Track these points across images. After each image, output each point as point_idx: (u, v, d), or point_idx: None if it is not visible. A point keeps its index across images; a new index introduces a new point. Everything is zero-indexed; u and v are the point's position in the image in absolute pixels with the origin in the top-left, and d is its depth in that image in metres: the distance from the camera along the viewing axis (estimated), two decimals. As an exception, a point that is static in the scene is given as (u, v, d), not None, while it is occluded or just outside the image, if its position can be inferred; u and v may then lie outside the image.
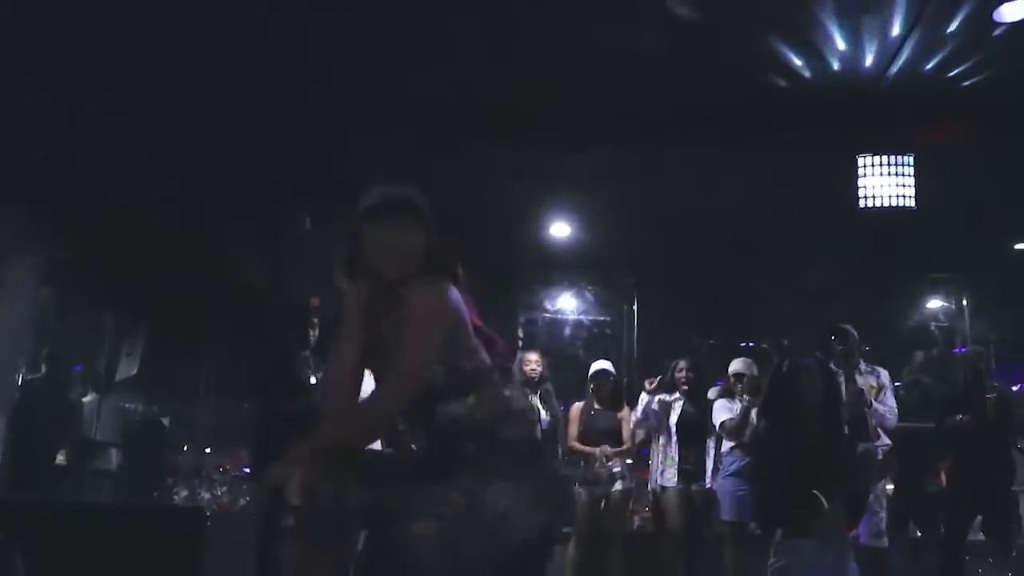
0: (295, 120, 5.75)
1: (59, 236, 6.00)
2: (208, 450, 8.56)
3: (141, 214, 6.14)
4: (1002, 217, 6.84)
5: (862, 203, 6.21)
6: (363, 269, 1.98)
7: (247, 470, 6.93)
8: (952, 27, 5.12)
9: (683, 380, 5.34)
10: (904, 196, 6.17)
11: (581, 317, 9.07)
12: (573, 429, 5.41)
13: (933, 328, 8.73)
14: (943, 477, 5.25)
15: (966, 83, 5.63)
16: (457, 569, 1.79)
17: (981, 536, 5.09)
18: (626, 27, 5.05)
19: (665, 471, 5.21)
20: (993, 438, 4.98)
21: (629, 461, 5.35)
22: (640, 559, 5.28)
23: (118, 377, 8.12)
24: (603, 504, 5.19)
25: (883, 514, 4.68)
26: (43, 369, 6.62)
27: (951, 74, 5.57)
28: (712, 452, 5.22)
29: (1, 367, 6.13)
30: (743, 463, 4.88)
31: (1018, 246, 7.85)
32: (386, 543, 1.86)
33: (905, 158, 6.20)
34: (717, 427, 5.09)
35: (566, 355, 8.34)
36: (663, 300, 8.39)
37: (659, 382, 5.31)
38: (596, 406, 5.45)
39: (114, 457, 7.54)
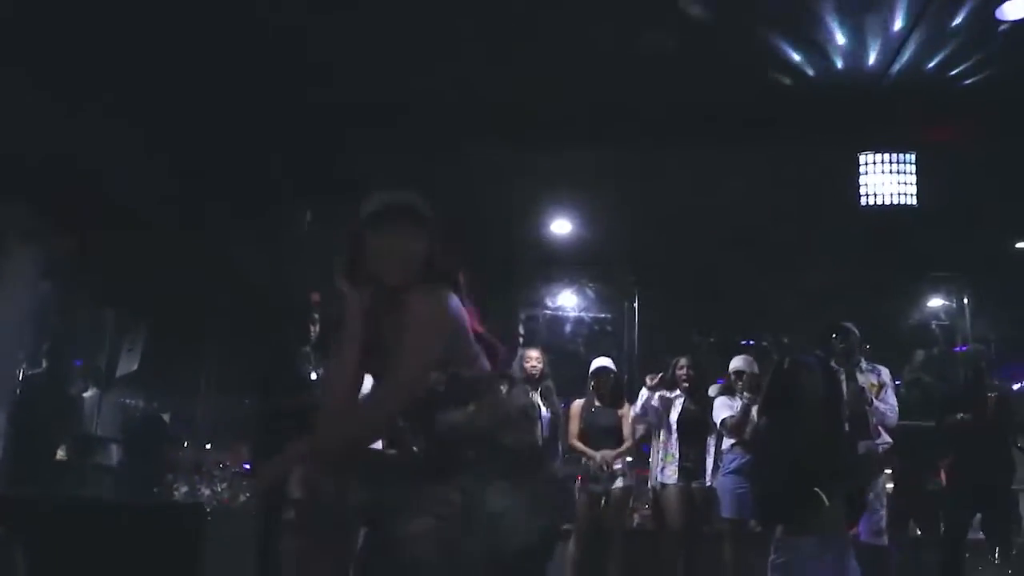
0: (295, 120, 5.75)
1: (59, 235, 6.01)
2: (208, 446, 8.54)
3: (141, 214, 6.15)
4: (1004, 216, 6.83)
5: (863, 201, 6.18)
6: (364, 275, 1.98)
7: (247, 466, 6.95)
8: (954, 25, 5.11)
9: (684, 377, 5.34)
10: (906, 194, 6.15)
11: (582, 314, 9.07)
12: (574, 426, 5.42)
13: (934, 326, 8.72)
14: (943, 475, 5.26)
15: (968, 81, 5.61)
16: (456, 568, 1.79)
17: (981, 534, 5.10)
18: (626, 27, 5.04)
19: (665, 468, 5.21)
20: (993, 437, 4.99)
21: (629, 459, 5.36)
22: (640, 556, 5.28)
23: (119, 373, 8.13)
24: (603, 501, 5.20)
25: (883, 512, 4.68)
26: (44, 365, 6.64)
27: (953, 72, 5.55)
28: (712, 450, 5.22)
29: (2, 362, 6.14)
30: (743, 460, 4.88)
31: (1020, 245, 7.84)
32: (386, 541, 1.87)
33: (907, 156, 6.17)
34: (718, 424, 5.10)
35: (567, 352, 8.33)
36: (664, 297, 8.39)
37: (660, 379, 5.30)
38: (597, 403, 5.45)
39: (114, 453, 7.57)
